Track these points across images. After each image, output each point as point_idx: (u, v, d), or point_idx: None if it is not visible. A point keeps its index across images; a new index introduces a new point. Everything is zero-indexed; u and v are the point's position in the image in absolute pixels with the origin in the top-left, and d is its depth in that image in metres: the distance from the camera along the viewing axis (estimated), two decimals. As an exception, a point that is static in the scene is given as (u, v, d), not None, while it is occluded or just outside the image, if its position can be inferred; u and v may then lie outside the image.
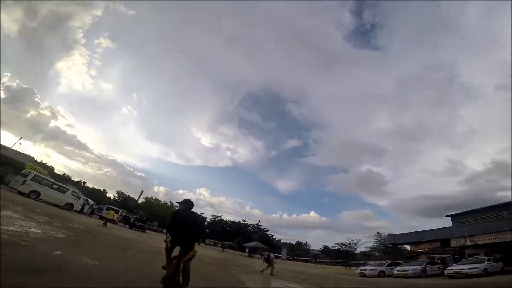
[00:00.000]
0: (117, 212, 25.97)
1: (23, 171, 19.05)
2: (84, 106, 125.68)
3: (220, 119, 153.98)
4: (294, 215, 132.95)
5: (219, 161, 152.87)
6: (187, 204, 4.56)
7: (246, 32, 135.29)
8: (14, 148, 33.73)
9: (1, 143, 29.83)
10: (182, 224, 4.21)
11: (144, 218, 38.50)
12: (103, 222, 18.51)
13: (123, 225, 26.82)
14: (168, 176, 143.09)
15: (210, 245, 47.99)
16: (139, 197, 57.50)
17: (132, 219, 29.13)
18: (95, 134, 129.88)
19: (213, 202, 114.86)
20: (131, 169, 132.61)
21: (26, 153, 35.75)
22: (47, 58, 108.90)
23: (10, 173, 21.47)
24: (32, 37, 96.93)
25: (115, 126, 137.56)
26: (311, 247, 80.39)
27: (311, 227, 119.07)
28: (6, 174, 21.59)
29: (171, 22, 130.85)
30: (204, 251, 20.65)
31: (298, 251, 74.52)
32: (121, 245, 8.00)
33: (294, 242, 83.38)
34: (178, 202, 4.84)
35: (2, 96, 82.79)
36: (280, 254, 52.94)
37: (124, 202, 58.06)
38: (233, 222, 74.24)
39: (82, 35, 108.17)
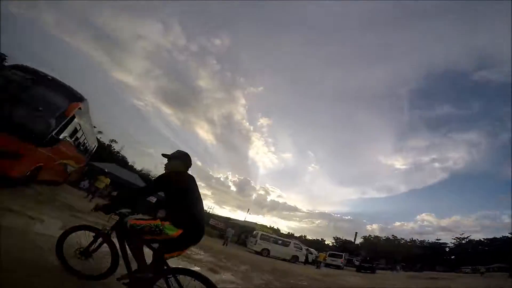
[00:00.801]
0: (339, 256, 24.73)
1: (253, 233, 23.02)
2: (280, 177, 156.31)
3: (402, 135, 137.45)
4: None
5: (428, 179, 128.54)
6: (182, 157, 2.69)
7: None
8: (248, 219, 44.69)
9: (238, 218, 39.93)
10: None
11: (368, 258, 34.91)
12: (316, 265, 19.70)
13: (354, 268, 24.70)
14: (376, 212, 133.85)
15: (467, 273, 34.21)
16: (355, 239, 58.18)
17: (357, 261, 27.23)
18: (298, 196, 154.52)
19: (444, 225, 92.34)
20: (338, 215, 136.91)
21: (257, 222, 46.14)
22: (241, 151, 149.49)
23: (248, 237, 26.76)
24: (223, 140, 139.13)
25: (309, 184, 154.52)
26: None
27: None
28: (247, 238, 27.31)
29: (296, 76, 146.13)
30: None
31: None
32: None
33: None
34: (164, 155, 2.71)
35: (234, 189, 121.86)
36: None
37: (342, 245, 59.20)
38: (493, 239, 51.53)
39: (247, 123, 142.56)
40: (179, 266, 2.46)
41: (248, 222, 39.73)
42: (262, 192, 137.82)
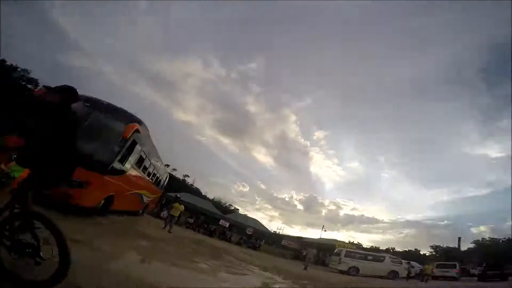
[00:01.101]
0: (450, 266, 20.38)
1: (335, 251, 20.68)
2: (351, 189, 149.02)
3: (487, 119, 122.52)
4: None
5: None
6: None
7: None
8: (323, 237, 41.27)
9: (311, 236, 37.02)
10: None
11: (485, 265, 28.15)
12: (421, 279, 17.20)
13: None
14: (482, 212, 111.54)
15: None
16: (458, 245, 50.34)
17: (475, 270, 23.43)
18: (376, 206, 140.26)
19: None
20: (430, 221, 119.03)
21: (333, 238, 42.21)
22: (302, 168, 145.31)
23: (328, 257, 24.42)
24: (281, 160, 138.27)
25: (387, 192, 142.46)
26: None
27: None
28: (326, 258, 24.89)
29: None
30: None
31: None
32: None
33: None
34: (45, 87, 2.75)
35: (301, 207, 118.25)
36: None
37: (445, 254, 50.22)
38: None
39: (302, 139, 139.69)
40: (40, 212, 2.10)
41: (325, 239, 36.45)
42: (332, 207, 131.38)
